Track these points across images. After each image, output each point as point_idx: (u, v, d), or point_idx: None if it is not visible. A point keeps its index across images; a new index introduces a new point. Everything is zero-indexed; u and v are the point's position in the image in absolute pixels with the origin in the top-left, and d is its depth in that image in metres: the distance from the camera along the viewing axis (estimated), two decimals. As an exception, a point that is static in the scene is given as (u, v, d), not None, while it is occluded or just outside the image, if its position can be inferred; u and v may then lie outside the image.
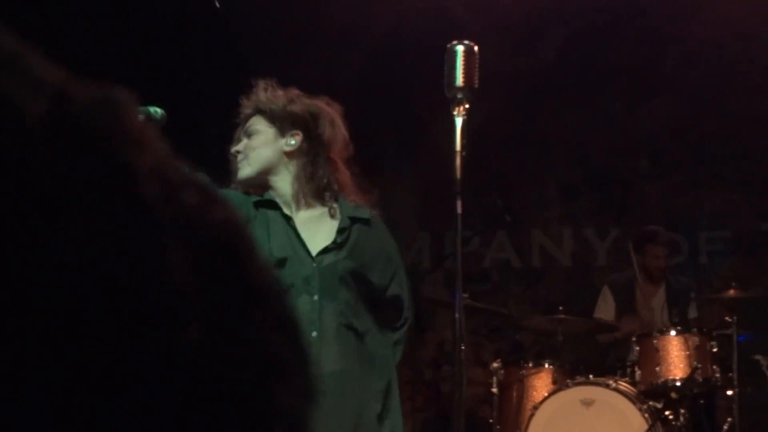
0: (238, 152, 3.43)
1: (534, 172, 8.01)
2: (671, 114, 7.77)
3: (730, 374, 6.05)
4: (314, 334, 3.23)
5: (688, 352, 6.00)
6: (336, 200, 3.46)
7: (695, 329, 6.11)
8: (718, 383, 6.05)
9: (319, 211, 3.41)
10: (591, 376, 5.96)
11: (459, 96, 2.59)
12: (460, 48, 2.58)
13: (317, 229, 3.40)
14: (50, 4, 6.97)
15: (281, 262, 3.26)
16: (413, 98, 7.76)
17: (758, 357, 6.23)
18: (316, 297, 3.27)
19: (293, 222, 3.38)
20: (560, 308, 6.31)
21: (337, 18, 7.70)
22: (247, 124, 3.46)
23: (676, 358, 6.01)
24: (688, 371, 5.96)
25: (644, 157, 7.90)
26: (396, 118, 8.12)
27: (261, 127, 3.43)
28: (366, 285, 3.38)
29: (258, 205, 3.41)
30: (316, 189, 3.40)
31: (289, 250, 3.30)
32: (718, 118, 7.68)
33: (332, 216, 3.42)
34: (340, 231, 3.38)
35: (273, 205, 3.40)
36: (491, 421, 6.23)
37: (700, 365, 5.97)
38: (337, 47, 7.91)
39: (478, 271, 7.95)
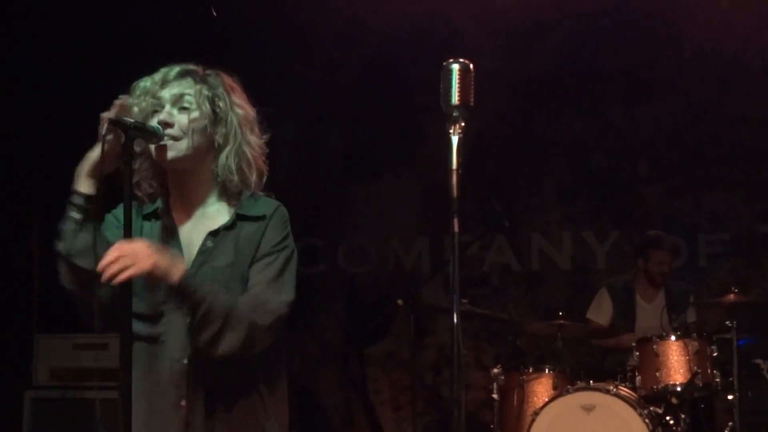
0: (167, 124, 2.97)
1: (533, 175, 8.00)
2: (669, 117, 7.77)
3: (731, 378, 6.05)
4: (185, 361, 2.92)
5: (688, 357, 6.00)
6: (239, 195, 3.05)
7: (695, 334, 6.12)
8: (719, 388, 6.05)
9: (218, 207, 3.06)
10: (591, 381, 5.97)
11: (455, 114, 2.57)
12: (455, 66, 2.57)
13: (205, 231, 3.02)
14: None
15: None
16: (411, 102, 7.76)
17: (758, 361, 6.23)
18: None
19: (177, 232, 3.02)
20: (560, 313, 6.31)
21: (334, 22, 7.70)
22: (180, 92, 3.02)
23: (676, 363, 6.01)
24: (689, 376, 5.97)
25: (643, 160, 7.90)
26: (394, 122, 8.11)
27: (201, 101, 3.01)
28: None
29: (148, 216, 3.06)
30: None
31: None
32: (716, 121, 7.68)
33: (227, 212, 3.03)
34: (213, 233, 2.98)
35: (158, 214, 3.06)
36: (492, 426, 6.24)
37: (700, 370, 5.98)
38: (335, 51, 7.91)
39: (478, 275, 7.95)
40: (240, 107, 3.07)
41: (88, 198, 2.86)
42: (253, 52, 7.42)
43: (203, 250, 2.97)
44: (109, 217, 3.04)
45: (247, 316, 2.84)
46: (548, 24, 7.78)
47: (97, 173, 2.86)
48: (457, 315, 2.42)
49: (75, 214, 2.87)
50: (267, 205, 3.04)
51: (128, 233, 2.78)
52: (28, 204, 6.86)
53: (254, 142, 3.07)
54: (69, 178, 2.87)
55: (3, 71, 6.85)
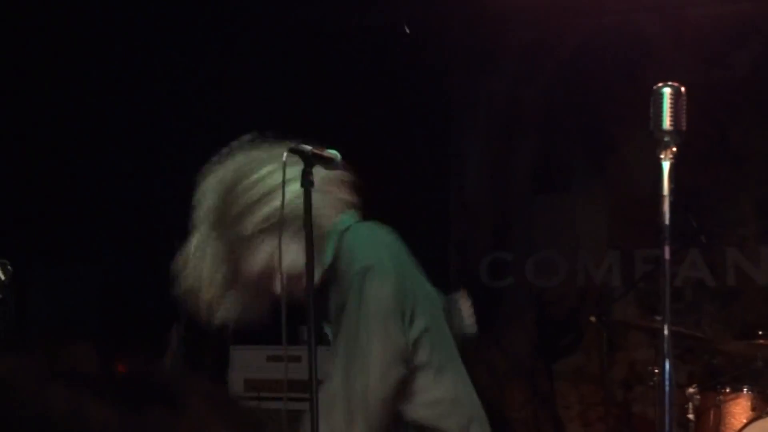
0: None
1: (729, 188, 7.76)
2: None
3: None
4: None
5: None
6: None
7: None
8: None
9: None
10: (794, 404, 5.75)
11: (666, 139, 2.51)
12: (666, 90, 2.51)
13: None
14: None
15: None
16: (601, 114, 7.65)
17: None
18: None
19: None
20: (759, 332, 6.10)
21: (524, 35, 7.66)
22: None
23: None
24: None
25: None
26: (584, 134, 8.01)
27: None
28: None
29: None
30: None
31: None
32: None
33: None
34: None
35: None
36: (688, 446, 6.08)
37: None
38: (525, 64, 7.87)
39: (671, 290, 7.75)
40: None
41: None
42: (444, 68, 7.46)
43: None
44: None
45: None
46: (744, 31, 7.54)
47: None
48: (668, 346, 2.35)
49: None
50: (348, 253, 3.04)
51: (311, 274, 2.82)
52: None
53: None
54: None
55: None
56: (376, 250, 2.96)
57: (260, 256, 3.00)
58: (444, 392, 2.97)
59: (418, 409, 2.94)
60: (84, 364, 0.60)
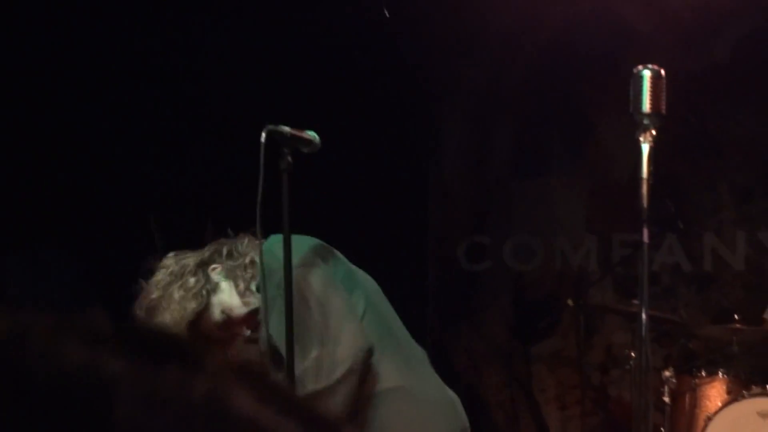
0: None
1: (707, 174, 7.80)
2: None
3: None
4: None
5: None
6: None
7: None
8: None
9: None
10: (768, 387, 5.79)
11: (645, 122, 2.52)
12: (646, 73, 2.52)
13: None
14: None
15: None
16: (580, 99, 7.66)
17: None
18: None
19: None
20: (735, 317, 6.14)
21: (503, 20, 7.65)
22: None
23: None
24: None
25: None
26: (562, 119, 8.03)
27: None
28: None
29: None
30: None
31: None
32: None
33: None
34: None
35: None
36: (662, 429, 6.11)
37: None
38: (503, 49, 7.87)
39: (647, 274, 7.78)
40: None
41: None
42: (422, 53, 7.45)
43: None
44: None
45: None
46: (724, 18, 7.56)
47: None
48: (645, 329, 2.37)
49: None
50: None
51: (288, 266, 2.83)
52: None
53: None
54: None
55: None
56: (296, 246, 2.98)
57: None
58: (396, 381, 3.00)
59: (372, 400, 2.97)
60: (98, 322, 0.61)
